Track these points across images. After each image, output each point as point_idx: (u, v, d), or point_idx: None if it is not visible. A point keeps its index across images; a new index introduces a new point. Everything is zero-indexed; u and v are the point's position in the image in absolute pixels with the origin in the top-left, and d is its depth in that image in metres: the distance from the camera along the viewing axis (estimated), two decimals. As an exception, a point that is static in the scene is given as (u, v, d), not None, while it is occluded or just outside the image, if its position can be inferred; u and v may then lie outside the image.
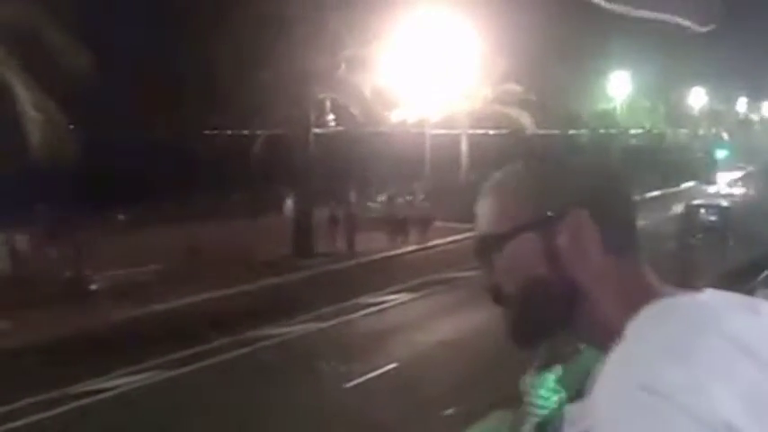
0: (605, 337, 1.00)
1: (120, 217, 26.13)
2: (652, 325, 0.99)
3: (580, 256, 1.07)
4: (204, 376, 13.55)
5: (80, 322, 15.92)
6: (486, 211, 1.14)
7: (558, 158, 1.18)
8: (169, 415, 11.78)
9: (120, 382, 13.09)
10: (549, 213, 1.08)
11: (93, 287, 18.18)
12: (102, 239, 20.91)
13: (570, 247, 1.07)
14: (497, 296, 1.12)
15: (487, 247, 1.12)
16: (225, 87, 24.84)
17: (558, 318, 1.08)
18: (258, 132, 27.88)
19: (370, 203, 27.13)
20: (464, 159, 35.55)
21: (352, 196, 28.06)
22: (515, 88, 34.88)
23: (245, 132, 30.12)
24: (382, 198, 28.17)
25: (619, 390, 0.92)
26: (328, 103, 29.73)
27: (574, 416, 1.06)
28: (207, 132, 35.73)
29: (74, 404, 12.05)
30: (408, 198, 28.79)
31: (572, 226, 1.07)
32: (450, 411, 10.23)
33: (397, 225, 26.16)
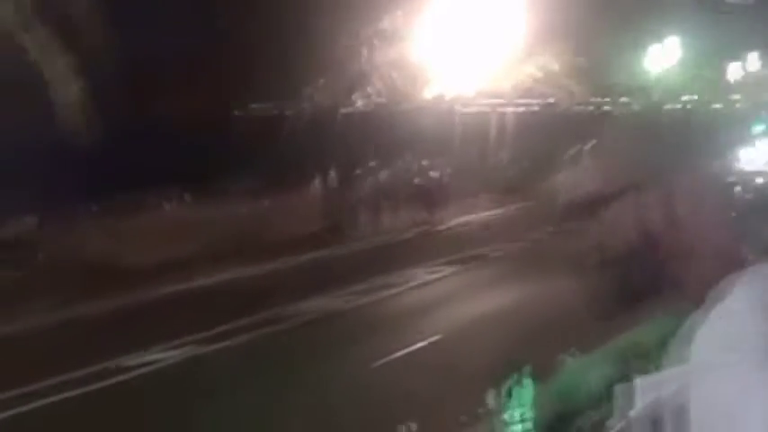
0: (704, 295, 1.12)
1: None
2: (748, 287, 1.17)
3: (694, 223, 1.04)
4: (249, 349, 13.52)
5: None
6: (596, 175, 1.07)
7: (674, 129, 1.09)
8: (198, 390, 11.72)
9: (156, 357, 13.15)
10: (664, 179, 1.06)
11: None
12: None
13: (686, 213, 1.03)
14: (604, 255, 1.07)
15: (597, 207, 1.06)
16: (255, 64, 24.65)
17: (669, 275, 1.05)
18: (287, 113, 27.80)
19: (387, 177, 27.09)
20: (493, 135, 35.14)
21: (387, 172, 27.95)
22: (562, 59, 34.00)
23: (276, 112, 30.04)
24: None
25: (718, 342, 1.11)
26: (361, 80, 29.46)
27: (647, 386, 1.31)
28: (237, 113, 35.72)
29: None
30: (444, 172, 28.77)
31: (688, 193, 1.03)
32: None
33: (431, 199, 26.07)
